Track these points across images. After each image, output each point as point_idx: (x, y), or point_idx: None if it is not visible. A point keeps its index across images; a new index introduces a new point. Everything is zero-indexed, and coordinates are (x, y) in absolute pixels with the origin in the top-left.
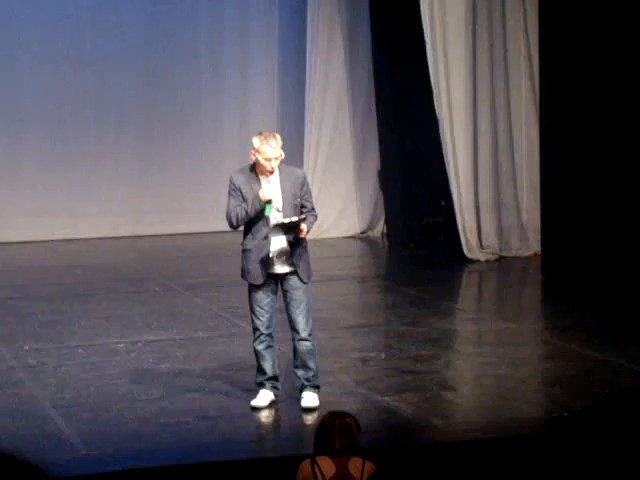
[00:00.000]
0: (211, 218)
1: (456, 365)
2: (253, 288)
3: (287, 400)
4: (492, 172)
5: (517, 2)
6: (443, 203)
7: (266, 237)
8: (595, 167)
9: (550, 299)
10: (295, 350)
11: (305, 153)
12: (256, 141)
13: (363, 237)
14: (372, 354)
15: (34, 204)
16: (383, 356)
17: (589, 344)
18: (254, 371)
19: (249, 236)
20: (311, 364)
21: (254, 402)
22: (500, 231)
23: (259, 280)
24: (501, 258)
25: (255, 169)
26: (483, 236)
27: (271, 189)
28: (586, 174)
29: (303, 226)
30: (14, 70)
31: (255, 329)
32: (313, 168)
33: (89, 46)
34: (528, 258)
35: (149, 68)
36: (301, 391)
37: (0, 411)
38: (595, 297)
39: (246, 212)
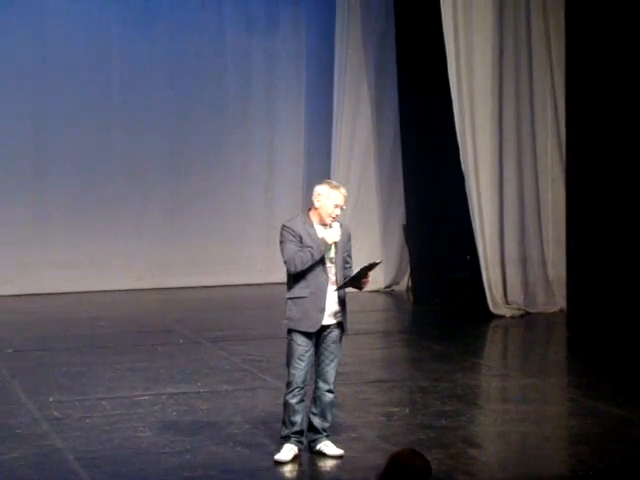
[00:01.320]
0: (236, 271)
1: (481, 421)
2: (297, 339)
3: (308, 453)
4: (518, 227)
5: (544, 61)
6: (468, 258)
7: (326, 286)
8: (621, 223)
9: (575, 355)
10: (317, 400)
11: None
12: (325, 188)
13: (388, 291)
14: (396, 409)
15: (60, 256)
16: (407, 411)
17: (614, 401)
18: (278, 425)
19: (302, 283)
20: (330, 416)
21: (279, 456)
22: (526, 286)
23: (315, 327)
24: (526, 314)
25: (308, 218)
26: (508, 291)
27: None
28: (612, 229)
29: (370, 274)
30: (43, 121)
31: (291, 382)
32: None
33: (118, 99)
34: (553, 314)
35: (177, 122)
36: (314, 441)
37: (24, 463)
38: (620, 354)
39: (312, 255)
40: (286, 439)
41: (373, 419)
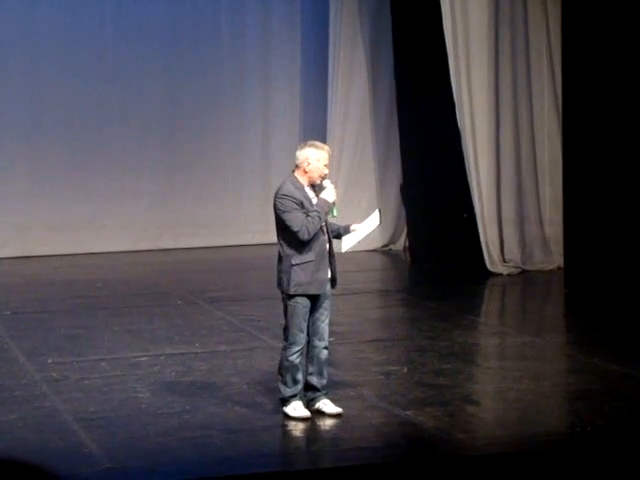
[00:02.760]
0: (233, 232)
1: (479, 379)
2: (303, 302)
3: (314, 413)
4: (515, 186)
5: (540, 19)
6: (465, 217)
7: (326, 245)
8: (618, 181)
9: (573, 313)
10: (314, 358)
11: None
12: (312, 151)
13: (385, 251)
14: (394, 368)
15: (57, 218)
16: (405, 370)
17: (612, 358)
18: (276, 384)
19: (307, 248)
20: (325, 373)
21: (297, 413)
22: (523, 245)
23: (324, 289)
24: (524, 272)
25: (297, 182)
26: (506, 250)
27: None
28: (609, 188)
29: (353, 227)
30: (37, 85)
31: (296, 343)
32: (335, 183)
33: (112, 61)
34: (551, 272)
35: (172, 85)
36: (313, 400)
37: (23, 424)
38: (618, 311)
39: (319, 218)
40: (294, 397)
41: (371, 378)
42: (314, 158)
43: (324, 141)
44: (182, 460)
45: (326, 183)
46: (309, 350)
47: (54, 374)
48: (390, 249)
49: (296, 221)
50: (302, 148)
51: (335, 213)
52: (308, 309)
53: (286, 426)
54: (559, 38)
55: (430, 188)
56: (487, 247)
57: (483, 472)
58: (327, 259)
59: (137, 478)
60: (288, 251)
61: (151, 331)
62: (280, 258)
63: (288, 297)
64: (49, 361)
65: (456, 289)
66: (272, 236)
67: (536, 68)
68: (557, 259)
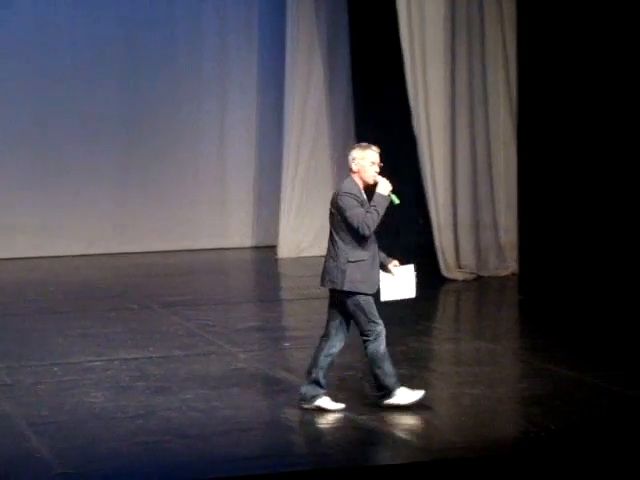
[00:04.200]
0: (189, 236)
1: (433, 384)
2: (367, 296)
3: (270, 419)
4: (470, 191)
5: (495, 24)
6: (420, 222)
7: (376, 246)
8: (572, 187)
9: (527, 319)
10: (330, 356)
11: (283, 172)
12: (357, 151)
13: None
14: (349, 373)
15: (10, 220)
16: (360, 375)
17: (566, 364)
18: (232, 389)
19: (363, 246)
20: None
21: (411, 398)
22: (478, 250)
23: (375, 289)
24: (479, 277)
25: (355, 183)
26: (461, 255)
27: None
28: (563, 194)
29: (391, 266)
30: None
31: (379, 333)
32: (292, 187)
33: (68, 62)
34: (505, 277)
35: (128, 88)
36: (314, 397)
37: None
38: (572, 317)
39: (377, 213)
40: (396, 385)
41: (327, 382)
42: (359, 157)
43: (280, 147)
44: (135, 465)
45: (378, 178)
46: (327, 347)
47: (6, 379)
48: None
49: (358, 217)
50: (349, 151)
51: (397, 201)
52: (371, 299)
53: (240, 431)
54: (514, 43)
55: None
56: (442, 253)
57: (437, 477)
58: (378, 261)
59: None
60: (344, 248)
61: (105, 335)
62: (332, 256)
63: (345, 295)
64: (1, 365)
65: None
66: (228, 241)
67: (492, 74)
68: (512, 265)
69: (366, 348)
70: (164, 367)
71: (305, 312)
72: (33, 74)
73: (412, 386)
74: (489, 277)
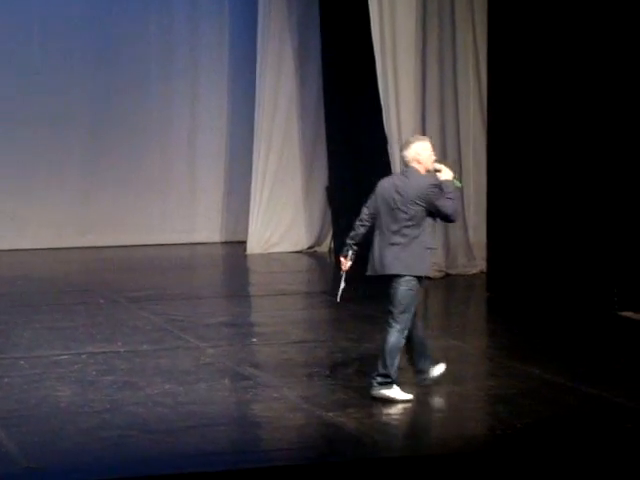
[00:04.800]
0: (157, 231)
1: (401, 381)
2: (417, 287)
3: (237, 415)
4: None
5: (466, 24)
6: None
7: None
8: (541, 187)
9: (495, 317)
10: (423, 339)
11: (254, 168)
12: (418, 145)
13: (310, 252)
14: (317, 369)
15: None
16: (328, 372)
17: (532, 362)
18: (200, 385)
19: (431, 234)
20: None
21: (404, 396)
22: (447, 249)
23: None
24: (447, 275)
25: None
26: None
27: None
28: (532, 193)
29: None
30: None
31: (407, 327)
32: (262, 183)
33: (38, 56)
34: (474, 276)
35: (98, 79)
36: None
37: None
38: (539, 315)
39: (455, 199)
40: (394, 381)
41: (295, 379)
42: (421, 149)
43: (251, 141)
44: (102, 460)
45: (438, 166)
46: (415, 334)
47: None
48: (315, 250)
49: (451, 205)
50: (408, 146)
51: (459, 184)
52: None
53: (207, 426)
54: (485, 44)
55: (356, 190)
56: None
57: (403, 474)
58: None
59: (55, 478)
60: (423, 237)
61: (72, 329)
62: (402, 244)
63: (410, 281)
64: None
65: (379, 292)
66: (197, 236)
67: (462, 68)
68: (480, 263)
69: (389, 334)
70: (131, 362)
71: (273, 308)
72: (4, 70)
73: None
74: (457, 275)
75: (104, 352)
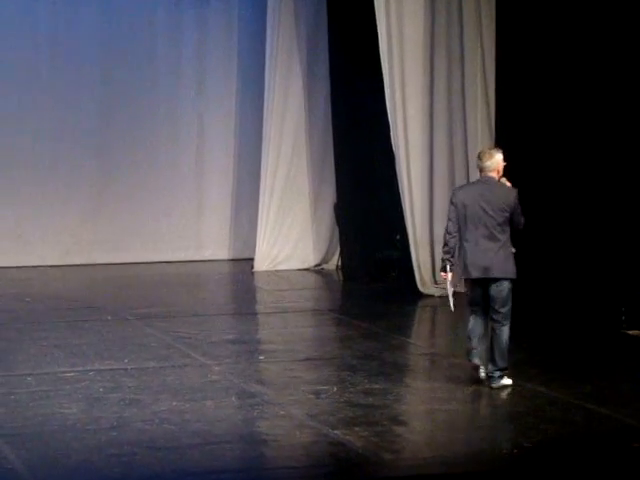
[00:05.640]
0: (164, 248)
1: (407, 400)
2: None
3: (244, 433)
4: (447, 208)
5: (474, 31)
6: (398, 237)
7: None
8: (548, 200)
9: None
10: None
11: (261, 185)
12: (501, 155)
13: (318, 270)
14: (324, 387)
15: None
16: (335, 389)
17: (539, 381)
18: (206, 402)
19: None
20: None
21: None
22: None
23: None
24: (455, 294)
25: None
26: (437, 271)
27: None
28: (539, 207)
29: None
30: None
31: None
32: (269, 200)
33: (46, 72)
34: None
35: (106, 96)
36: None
37: None
38: (546, 333)
39: None
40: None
41: (301, 397)
42: (501, 161)
43: (259, 159)
44: (108, 477)
45: (503, 179)
46: (485, 328)
47: None
48: (322, 268)
49: (522, 216)
50: (492, 156)
51: None
52: None
53: (213, 444)
54: (493, 57)
55: (363, 208)
56: (418, 268)
57: None
58: None
59: None
60: (508, 242)
61: (80, 346)
62: (498, 248)
63: (509, 281)
64: None
65: (387, 309)
66: (204, 253)
67: (470, 85)
68: None
69: (497, 330)
70: (138, 379)
71: (280, 325)
72: (13, 84)
73: (386, 401)
74: (465, 294)
75: (111, 369)
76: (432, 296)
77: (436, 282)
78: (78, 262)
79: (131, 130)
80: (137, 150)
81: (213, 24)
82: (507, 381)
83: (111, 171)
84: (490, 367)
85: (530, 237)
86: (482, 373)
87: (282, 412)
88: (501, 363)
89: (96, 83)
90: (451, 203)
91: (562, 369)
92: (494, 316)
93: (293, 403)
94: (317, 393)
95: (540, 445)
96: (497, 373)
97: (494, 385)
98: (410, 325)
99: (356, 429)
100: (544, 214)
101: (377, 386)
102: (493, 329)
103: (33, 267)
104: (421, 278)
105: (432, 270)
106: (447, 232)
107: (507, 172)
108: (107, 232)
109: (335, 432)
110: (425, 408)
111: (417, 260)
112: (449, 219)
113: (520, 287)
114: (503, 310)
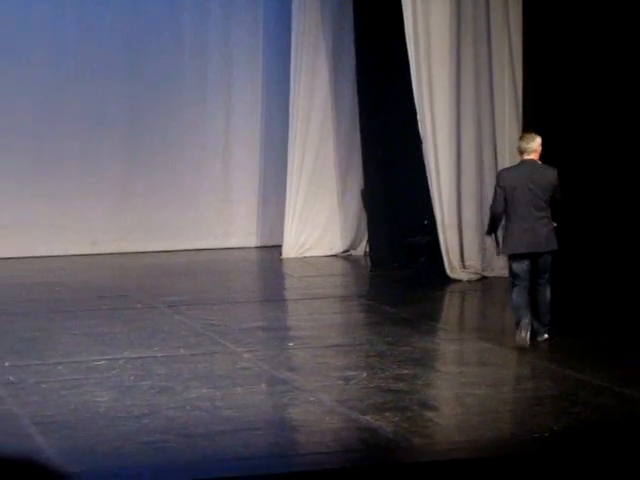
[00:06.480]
0: (192, 236)
1: (437, 384)
2: None
3: (274, 419)
4: (475, 192)
5: (501, 25)
6: (426, 222)
7: None
8: (577, 187)
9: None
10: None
11: (289, 172)
12: (539, 139)
13: (345, 256)
14: (353, 373)
15: (14, 219)
16: (364, 375)
17: (570, 364)
18: (236, 389)
19: None
20: None
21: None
22: (483, 251)
23: None
24: (483, 278)
25: None
26: (465, 256)
27: None
28: (568, 194)
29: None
30: None
31: None
32: (297, 187)
33: (72, 65)
34: None
35: (134, 88)
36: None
37: None
38: (575, 317)
39: None
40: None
41: (331, 383)
42: (541, 143)
43: (286, 145)
44: (140, 465)
45: None
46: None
47: (11, 377)
48: (351, 254)
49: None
50: (534, 139)
51: None
52: None
53: (244, 430)
54: (520, 45)
55: (391, 193)
56: (447, 253)
57: (441, 478)
58: None
59: None
60: (550, 218)
61: (110, 335)
62: (545, 224)
63: (552, 254)
64: (6, 364)
65: (416, 295)
66: (233, 240)
67: (498, 72)
68: None
69: (542, 291)
70: (168, 366)
71: (309, 312)
72: (42, 77)
73: (415, 386)
74: (494, 277)
75: (141, 357)
76: (461, 280)
77: (464, 267)
78: (107, 251)
79: (159, 121)
80: (164, 140)
81: (239, 17)
82: (547, 336)
83: (139, 161)
84: (536, 324)
85: (561, 224)
86: (527, 338)
87: (312, 398)
88: (545, 319)
89: (123, 78)
90: (498, 185)
91: (593, 353)
92: (539, 280)
93: (323, 389)
94: (347, 379)
95: (571, 429)
96: (542, 329)
97: (539, 339)
98: (439, 310)
99: (386, 414)
100: (573, 201)
101: (407, 371)
102: (537, 291)
103: (63, 256)
104: (450, 263)
105: (460, 254)
106: (495, 212)
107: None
108: (136, 221)
109: (365, 418)
110: (455, 393)
111: (445, 245)
112: (496, 200)
113: (552, 274)
114: (546, 276)
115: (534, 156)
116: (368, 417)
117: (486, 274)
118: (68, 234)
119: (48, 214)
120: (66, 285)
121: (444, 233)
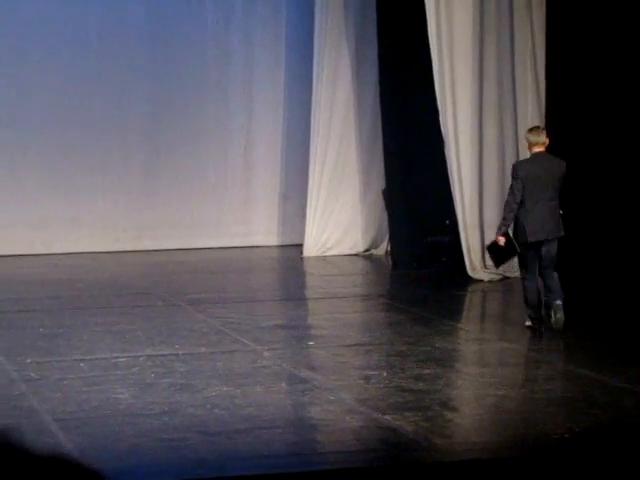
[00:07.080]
0: (214, 234)
1: (458, 385)
2: None
3: (294, 418)
4: (497, 192)
5: (525, 24)
6: (448, 222)
7: None
8: (600, 187)
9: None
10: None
11: (310, 171)
12: (544, 132)
13: (367, 255)
14: (374, 372)
15: (35, 216)
16: (385, 374)
17: (590, 365)
18: (256, 387)
19: None
20: None
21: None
22: None
23: None
24: (504, 278)
25: None
26: (487, 256)
27: None
28: (590, 194)
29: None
30: (17, 83)
31: None
32: (318, 186)
33: (95, 60)
34: None
35: (156, 85)
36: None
37: (1, 424)
38: (595, 318)
39: None
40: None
41: (351, 382)
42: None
43: (307, 146)
44: (159, 462)
45: None
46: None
47: (32, 374)
48: (372, 254)
49: None
50: (543, 132)
51: None
52: None
53: (264, 429)
54: (543, 44)
55: (413, 193)
56: (468, 253)
57: (460, 478)
58: None
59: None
60: (559, 206)
61: (131, 332)
62: (554, 213)
63: (558, 240)
64: (27, 361)
65: (437, 294)
66: (254, 239)
67: (521, 78)
68: None
69: (549, 273)
70: (189, 364)
71: (330, 311)
72: (63, 74)
73: (436, 386)
74: (515, 278)
75: (162, 354)
76: (482, 281)
77: (486, 266)
78: (129, 248)
79: (181, 119)
80: (187, 138)
81: (261, 13)
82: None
83: (161, 160)
84: (551, 297)
85: (576, 223)
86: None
87: (332, 397)
88: (559, 294)
89: (146, 76)
90: (515, 177)
91: (612, 354)
92: (547, 266)
93: (343, 388)
94: (367, 378)
95: (591, 430)
96: (559, 301)
97: (559, 316)
98: (460, 310)
99: (406, 414)
100: (591, 201)
101: (427, 371)
102: (546, 276)
103: (85, 253)
104: (471, 263)
105: (482, 254)
106: (513, 203)
107: (557, 155)
108: (157, 219)
109: (385, 417)
110: (476, 393)
111: (467, 245)
112: (513, 192)
113: (568, 270)
114: (554, 262)
115: (543, 148)
116: (388, 417)
117: (507, 274)
118: (89, 231)
119: (70, 211)
120: (87, 282)
121: (465, 233)
